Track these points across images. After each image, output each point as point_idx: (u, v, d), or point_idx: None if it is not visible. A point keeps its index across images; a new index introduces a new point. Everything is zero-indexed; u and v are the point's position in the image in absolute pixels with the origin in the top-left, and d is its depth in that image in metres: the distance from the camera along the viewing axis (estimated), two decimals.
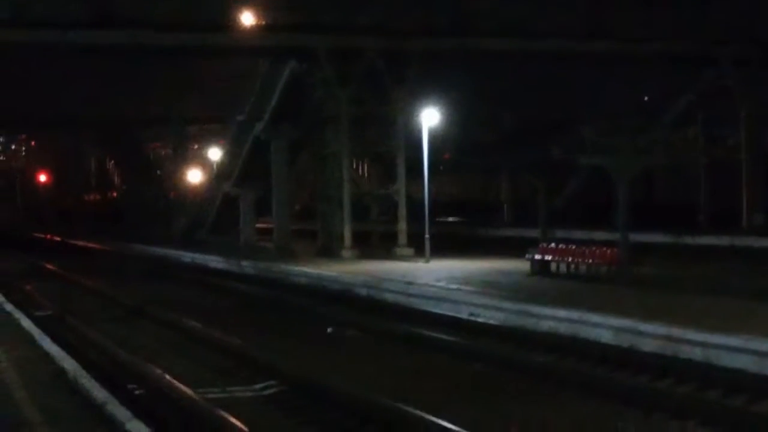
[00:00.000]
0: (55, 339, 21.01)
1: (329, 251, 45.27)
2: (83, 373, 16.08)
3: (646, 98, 64.44)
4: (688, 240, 46.85)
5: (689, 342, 18.47)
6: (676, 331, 18.95)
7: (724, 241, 46.07)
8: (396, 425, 14.07)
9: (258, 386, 17.61)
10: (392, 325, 24.98)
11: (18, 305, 28.45)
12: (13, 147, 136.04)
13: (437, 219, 48.42)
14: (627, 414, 14.96)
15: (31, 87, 77.26)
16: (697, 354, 18.14)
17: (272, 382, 17.69)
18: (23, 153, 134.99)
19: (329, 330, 24.85)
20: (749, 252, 41.99)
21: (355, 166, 46.29)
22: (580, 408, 15.59)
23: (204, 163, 75.31)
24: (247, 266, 43.85)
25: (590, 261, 30.31)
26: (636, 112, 59.11)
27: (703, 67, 53.52)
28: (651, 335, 19.48)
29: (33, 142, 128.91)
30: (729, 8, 50.89)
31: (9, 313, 25.83)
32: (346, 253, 44.07)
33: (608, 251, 30.33)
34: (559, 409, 15.59)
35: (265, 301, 33.06)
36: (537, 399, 16.35)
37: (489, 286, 28.62)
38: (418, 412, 14.03)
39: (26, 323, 23.50)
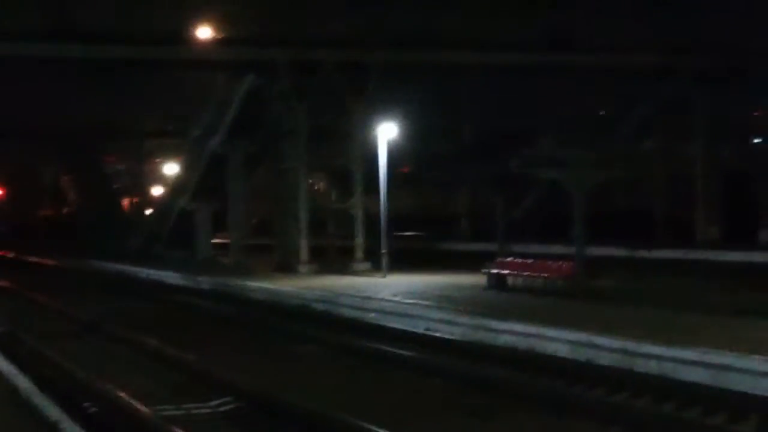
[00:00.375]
0: (8, 356, 20.84)
1: (286, 266, 45.21)
2: (36, 390, 15.98)
3: (602, 112, 64.79)
4: (644, 253, 47.24)
5: (645, 355, 18.60)
6: (632, 345, 19.07)
7: (679, 254, 46.50)
8: None
9: (214, 403, 17.56)
10: (349, 340, 24.95)
11: None
12: None
13: (395, 233, 48.40)
14: (584, 428, 15.04)
15: None
16: (652, 367, 18.27)
17: (228, 399, 17.64)
18: None
19: None
20: (704, 265, 42.35)
21: (312, 180, 46.19)
22: (537, 422, 15.65)
23: (161, 177, 74.99)
24: (203, 282, 43.66)
25: (546, 275, 30.43)
26: (594, 124, 59.57)
27: (663, 79, 53.89)
28: (607, 349, 19.60)
29: None
30: (690, 20, 51.36)
31: None
32: (303, 268, 44.06)
33: (564, 265, 30.49)
34: (518, 423, 15.64)
35: (221, 316, 32.94)
36: (494, 414, 16.37)
37: (446, 300, 28.64)
38: (375, 429, 14.05)
39: None
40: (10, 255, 78.21)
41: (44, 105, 79.31)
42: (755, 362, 16.47)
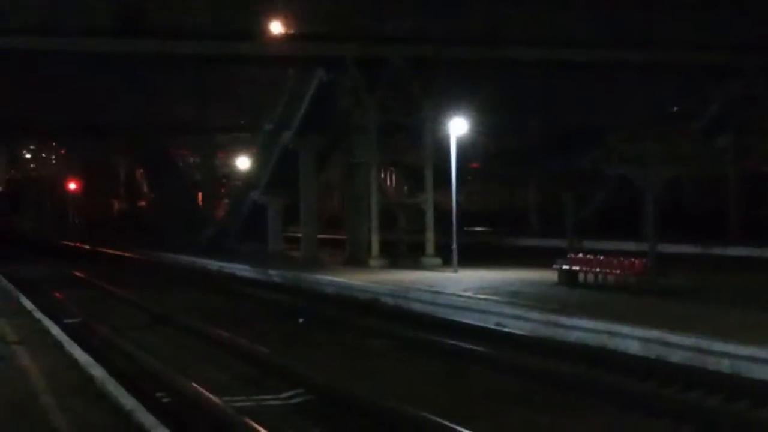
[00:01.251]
0: (84, 346, 21.11)
1: (357, 260, 45.31)
2: (111, 380, 16.16)
3: (675, 108, 64.17)
4: (717, 250, 46.65)
5: (717, 353, 18.40)
6: (704, 343, 18.87)
7: (753, 252, 45.82)
8: None
9: (285, 395, 17.64)
10: (420, 335, 24.96)
11: (47, 313, 28.57)
12: (43, 155, 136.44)
13: (465, 228, 48.30)
14: (655, 426, 14.92)
15: (61, 95, 77.48)
16: (725, 365, 18.07)
17: (300, 391, 17.71)
18: (53, 161, 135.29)
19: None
20: None
21: (382, 175, 46.21)
22: (608, 418, 15.57)
23: (234, 171, 75.49)
24: (274, 275, 43.90)
25: (618, 271, 30.18)
26: (663, 121, 58.96)
27: (729, 76, 53.30)
28: (679, 346, 19.42)
29: (63, 150, 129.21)
30: (754, 16, 50.71)
31: (38, 321, 25.95)
32: (373, 262, 44.08)
33: (636, 262, 30.23)
34: (587, 419, 15.57)
35: (292, 309, 33.09)
36: (565, 410, 16.31)
37: (516, 296, 28.54)
38: (448, 423, 14.04)
39: (55, 330, 23.61)
40: (86, 247, 79.27)
41: (120, 101, 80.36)
42: None
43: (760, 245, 47.67)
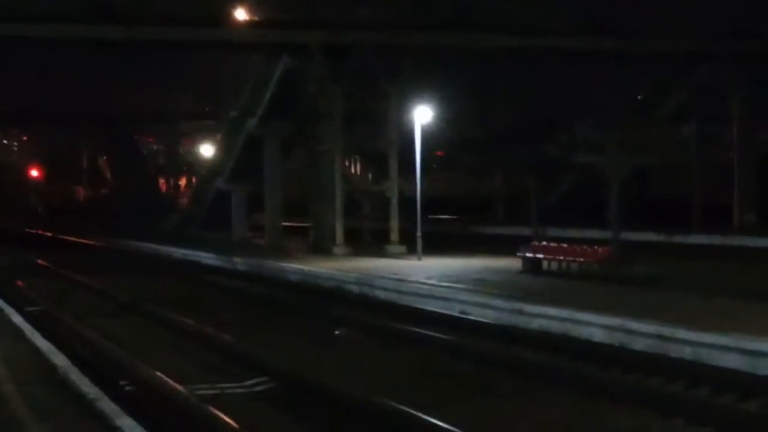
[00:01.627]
0: (46, 335, 21.01)
1: (321, 248, 45.29)
2: (74, 369, 16.09)
3: (639, 96, 64.48)
4: (680, 238, 47.01)
5: (680, 341, 18.53)
6: (667, 330, 18.99)
7: (715, 240, 46.22)
8: (389, 425, 14.10)
9: (249, 382, 17.63)
10: (384, 322, 25.00)
11: (9, 301, 28.41)
12: (4, 141, 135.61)
13: (429, 216, 48.41)
14: (618, 412, 15.02)
15: (24, 81, 77.08)
16: (687, 352, 18.20)
17: (263, 379, 17.71)
18: (14, 148, 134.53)
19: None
20: (741, 251, 42.11)
21: (347, 162, 46.20)
22: (570, 405, 15.64)
23: (197, 158, 75.27)
24: (239, 263, 43.84)
25: (582, 259, 30.37)
26: (630, 110, 59.28)
27: (699, 64, 53.58)
28: (642, 334, 19.54)
29: (25, 138, 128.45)
30: (728, 3, 51.05)
31: (0, 309, 25.80)
32: (337, 250, 44.10)
33: (600, 250, 30.42)
34: (550, 406, 15.63)
35: (256, 297, 33.08)
36: (528, 397, 16.39)
37: (480, 283, 28.63)
38: (413, 411, 14.08)
39: (17, 319, 23.49)
40: (49, 234, 78.73)
41: (81, 88, 79.90)
42: None
43: (722, 233, 48.15)
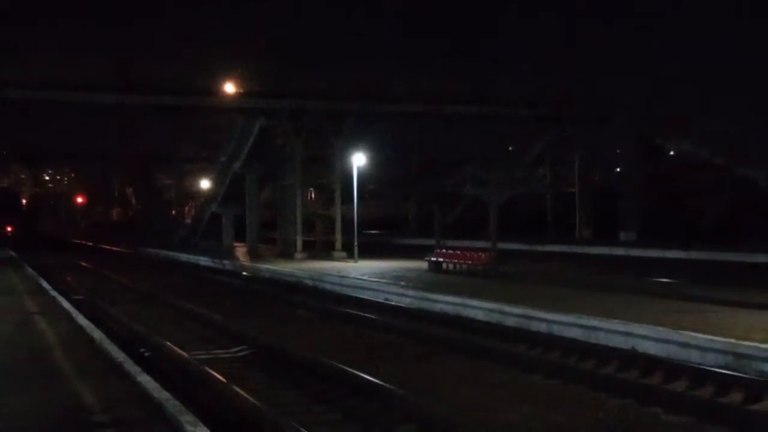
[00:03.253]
0: (87, 316, 20.73)
1: (286, 254, 45.13)
2: (107, 340, 15.91)
3: (510, 147, 65.17)
4: (539, 247, 47.51)
5: (538, 319, 18.74)
6: (529, 312, 19.20)
7: (563, 248, 46.82)
8: (333, 378, 14.12)
9: (234, 349, 17.54)
10: (331, 306, 24.99)
11: (60, 291, 27.97)
12: (57, 177, 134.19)
13: (363, 231, 48.41)
14: (494, 369, 15.13)
15: (72, 133, 76.14)
16: (543, 328, 18.42)
17: (244, 347, 17.63)
18: (65, 181, 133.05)
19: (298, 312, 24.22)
20: (581, 256, 42.70)
21: (305, 193, 46.17)
22: (461, 365, 15.74)
23: (198, 190, 74.68)
24: (227, 264, 43.52)
25: (470, 262, 30.57)
26: (504, 156, 59.95)
27: (551, 124, 54.40)
28: (512, 314, 19.73)
29: (72, 173, 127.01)
30: (571, 79, 51.73)
31: (54, 297, 25.41)
32: (298, 255, 43.97)
33: (483, 255, 30.64)
34: (447, 365, 15.74)
35: (239, 289, 32.88)
36: (432, 358, 16.49)
37: (399, 279, 28.72)
38: (348, 368, 14.11)
39: (66, 304, 23.15)
40: (90, 244, 77.62)
41: (112, 136, 79.03)
42: (615, 324, 16.62)
43: (568, 243, 48.79)
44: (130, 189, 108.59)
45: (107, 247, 69.46)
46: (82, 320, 19.26)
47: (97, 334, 16.76)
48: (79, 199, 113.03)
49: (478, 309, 21.08)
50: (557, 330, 17.92)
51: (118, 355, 14.02)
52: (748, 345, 13.77)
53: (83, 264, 48.45)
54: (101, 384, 11.76)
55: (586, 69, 51.16)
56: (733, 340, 14.10)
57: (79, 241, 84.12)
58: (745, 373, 13.17)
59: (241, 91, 46.78)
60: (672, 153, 54.96)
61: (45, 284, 29.97)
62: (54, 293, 26.62)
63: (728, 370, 13.45)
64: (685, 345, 14.79)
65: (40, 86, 42.33)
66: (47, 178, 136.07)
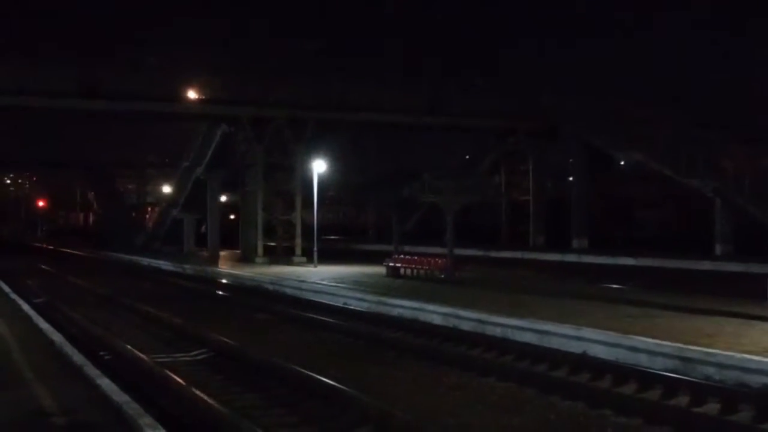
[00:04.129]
0: (47, 319, 20.36)
1: (247, 259, 44.83)
2: (67, 343, 15.63)
3: (466, 156, 65.51)
4: (493, 253, 47.79)
5: (493, 323, 18.79)
6: (484, 316, 19.24)
7: (517, 254, 47.15)
8: (291, 381, 14.00)
9: (194, 353, 17.34)
10: (290, 311, 24.84)
11: (20, 294, 27.45)
12: (19, 181, 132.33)
13: (323, 237, 48.29)
14: (450, 372, 15.13)
15: (33, 138, 75.27)
16: (498, 332, 18.46)
17: (204, 350, 17.44)
18: (27, 185, 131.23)
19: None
20: (534, 263, 43.02)
21: (266, 199, 45.90)
22: (417, 368, 15.72)
23: (159, 195, 73.98)
24: (188, 268, 43.10)
25: (427, 267, 30.60)
26: (460, 165, 60.26)
27: (506, 136, 54.85)
28: (467, 319, 19.76)
29: (34, 178, 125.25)
30: (524, 94, 52.21)
31: (13, 300, 24.93)
32: (259, 260, 43.72)
33: (440, 260, 30.70)
34: (403, 369, 15.71)
35: (200, 292, 32.54)
36: (389, 362, 16.45)
37: (357, 284, 28.65)
38: (307, 371, 14.00)
39: (26, 307, 22.73)
40: (51, 248, 76.40)
41: (75, 142, 78.23)
42: (567, 329, 16.73)
43: (521, 250, 49.15)
44: (92, 193, 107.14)
45: (69, 251, 68.35)
46: (42, 323, 18.89)
47: (56, 337, 16.46)
48: (41, 203, 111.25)
49: (435, 313, 21.07)
50: (511, 334, 17.97)
51: (78, 358, 13.77)
52: (694, 349, 13.93)
53: (44, 268, 47.64)
54: (60, 387, 11.53)
55: (539, 82, 51.69)
56: (680, 345, 14.26)
57: (40, 245, 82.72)
58: (692, 377, 13.33)
59: (204, 97, 46.47)
60: (622, 163, 55.63)
61: (5, 287, 29.39)
62: (14, 296, 26.13)
63: (675, 373, 13.60)
64: (634, 349, 14.93)
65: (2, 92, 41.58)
66: (9, 182, 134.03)
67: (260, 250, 44.62)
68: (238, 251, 48.15)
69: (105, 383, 11.52)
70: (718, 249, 42.13)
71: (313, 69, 49.81)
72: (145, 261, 51.24)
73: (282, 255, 44.68)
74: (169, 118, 51.34)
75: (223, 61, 51.43)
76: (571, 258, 45.18)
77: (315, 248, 39.01)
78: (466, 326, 19.53)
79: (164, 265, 47.24)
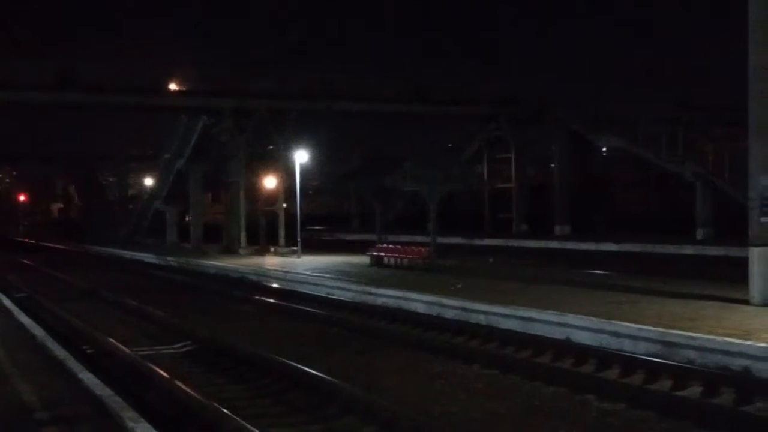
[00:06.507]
0: (29, 313, 20.22)
1: (231, 250, 44.68)
2: (48, 337, 15.53)
3: (449, 144, 65.56)
4: (477, 241, 47.86)
5: (476, 311, 18.79)
6: (468, 304, 19.26)
7: (500, 242, 47.23)
8: (275, 371, 13.97)
9: (177, 345, 17.28)
10: (274, 302, 24.79)
11: (1, 289, 27.24)
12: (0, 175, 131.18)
13: (307, 227, 48.20)
14: (434, 360, 15.15)
15: (11, 131, 74.68)
16: (482, 319, 18.48)
17: (188, 342, 17.37)
18: (7, 180, 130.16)
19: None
20: (517, 250, 43.11)
21: (249, 190, 45.78)
22: (402, 357, 15.73)
23: (141, 187, 73.64)
24: (171, 260, 42.91)
25: (411, 256, 30.55)
26: (442, 153, 60.24)
27: (488, 123, 54.89)
28: (451, 307, 19.77)
29: (14, 172, 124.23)
30: (505, 81, 52.34)
31: None
32: (242, 251, 43.59)
33: (423, 249, 30.67)
34: (387, 357, 15.72)
35: (183, 285, 32.41)
36: (374, 351, 16.44)
37: (341, 273, 28.59)
38: (291, 362, 13.98)
39: (7, 302, 22.55)
40: (32, 242, 75.88)
41: (55, 135, 77.70)
42: (550, 315, 16.76)
43: (504, 237, 49.24)
44: (73, 187, 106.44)
45: (51, 245, 67.92)
46: (23, 318, 18.77)
47: (38, 331, 16.35)
48: (21, 197, 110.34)
49: (418, 302, 21.07)
50: (495, 321, 17.99)
51: (60, 352, 13.68)
52: (676, 333, 14.00)
53: (26, 262, 47.33)
54: (42, 381, 11.44)
55: (521, 68, 51.75)
56: (662, 329, 14.32)
57: (21, 239, 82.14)
58: (674, 361, 13.40)
59: (185, 89, 46.24)
60: (604, 149, 55.78)
61: None
62: None
63: (658, 357, 13.66)
64: (617, 334, 14.99)
65: None
66: None
67: (243, 241, 44.49)
68: (222, 243, 48.00)
69: (87, 377, 11.45)
70: (700, 233, 42.38)
71: (294, 59, 49.59)
72: (128, 254, 50.97)
73: (265, 245, 44.59)
74: (149, 109, 51.03)
75: (205, 53, 51.12)
76: (554, 244, 45.31)
77: (298, 238, 38.91)
78: (450, 314, 19.52)
79: (147, 257, 47.01)
